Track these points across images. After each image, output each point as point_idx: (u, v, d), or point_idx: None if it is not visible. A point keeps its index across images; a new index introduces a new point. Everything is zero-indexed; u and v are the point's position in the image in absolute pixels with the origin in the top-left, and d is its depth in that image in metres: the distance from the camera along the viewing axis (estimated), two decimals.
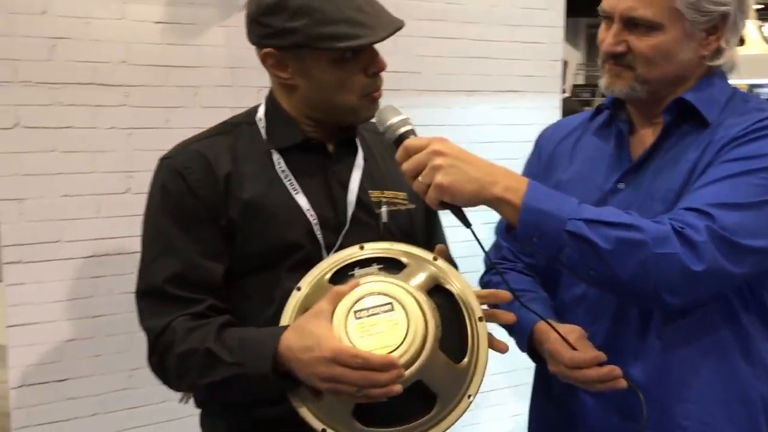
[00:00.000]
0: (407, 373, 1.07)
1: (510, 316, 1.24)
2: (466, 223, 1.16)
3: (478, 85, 2.91)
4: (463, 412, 1.14)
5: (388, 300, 1.09)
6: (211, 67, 2.38)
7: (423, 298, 1.12)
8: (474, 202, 1.12)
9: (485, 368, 1.15)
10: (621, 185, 1.31)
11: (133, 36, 2.28)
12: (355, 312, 1.09)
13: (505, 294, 1.23)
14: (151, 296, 1.24)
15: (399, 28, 1.24)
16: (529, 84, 3.01)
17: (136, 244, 2.23)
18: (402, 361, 1.06)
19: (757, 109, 1.27)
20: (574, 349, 1.21)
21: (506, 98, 2.97)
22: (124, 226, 2.26)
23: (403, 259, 1.18)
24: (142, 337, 1.48)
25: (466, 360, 1.14)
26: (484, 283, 1.47)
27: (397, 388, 1.06)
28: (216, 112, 2.27)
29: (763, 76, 2.12)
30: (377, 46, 1.24)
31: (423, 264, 1.18)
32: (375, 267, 1.17)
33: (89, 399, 2.30)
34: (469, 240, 1.20)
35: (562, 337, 1.22)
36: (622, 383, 1.20)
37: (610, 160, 1.35)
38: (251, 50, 1.30)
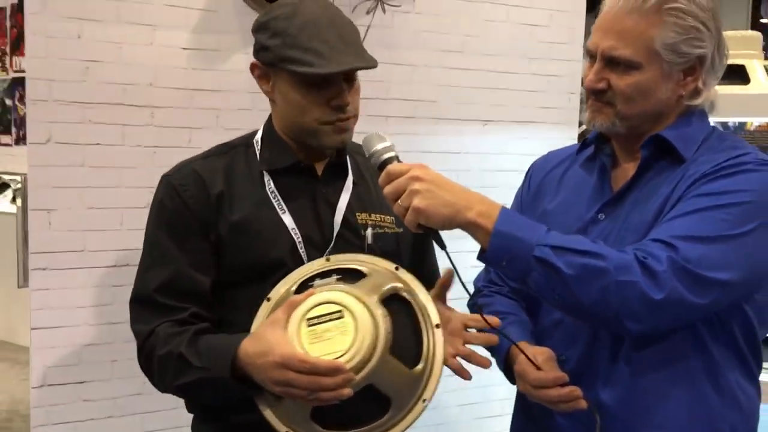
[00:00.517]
0: (358, 377, 1.11)
1: (492, 339, 1.30)
2: (442, 246, 1.22)
3: (495, 115, 2.94)
4: (418, 416, 1.18)
5: (338, 308, 1.14)
6: (233, 91, 2.41)
7: (375, 306, 1.16)
8: (449, 225, 1.17)
9: (441, 373, 1.19)
10: (601, 216, 1.35)
11: (161, 60, 2.32)
12: (308, 320, 1.14)
13: (493, 319, 1.27)
14: (141, 303, 1.32)
15: (364, 67, 1.30)
16: (547, 116, 3.03)
17: None
18: (350, 365, 1.11)
19: (731, 148, 1.30)
20: (540, 369, 1.26)
21: (523, 129, 2.99)
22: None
23: (364, 269, 1.23)
24: None
25: (420, 366, 1.18)
26: (470, 305, 1.51)
27: (347, 391, 1.11)
28: (236, 133, 2.33)
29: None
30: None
31: (383, 274, 1.23)
32: (334, 278, 1.22)
33: (105, 402, 2.33)
34: (476, 266, 1.27)
35: (529, 359, 1.26)
36: (582, 404, 1.24)
37: (592, 192, 1.39)
38: None
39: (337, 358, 1.12)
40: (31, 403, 2.26)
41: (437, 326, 1.21)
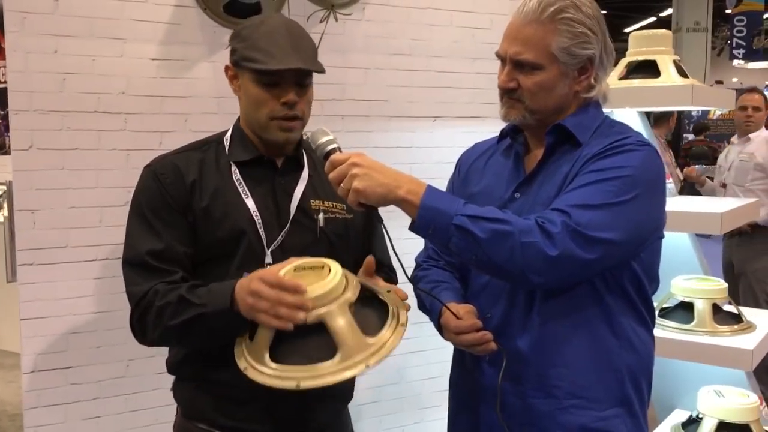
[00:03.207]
0: (314, 311, 1.27)
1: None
2: (379, 220, 1.43)
3: (443, 111, 3.07)
4: (357, 374, 1.28)
5: (323, 264, 1.32)
6: (199, 97, 2.54)
7: (354, 279, 1.33)
8: (384, 202, 1.36)
9: (386, 355, 1.31)
10: (517, 195, 1.54)
11: (132, 71, 2.44)
12: (296, 267, 1.33)
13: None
14: (134, 266, 1.49)
15: (300, 69, 1.48)
16: (491, 111, 2.93)
17: None
18: (311, 295, 1.27)
19: (618, 133, 1.50)
20: (459, 319, 1.47)
21: (470, 123, 3.10)
22: (123, 234, 2.27)
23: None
24: None
25: (371, 339, 1.31)
26: (412, 277, 1.69)
27: (301, 314, 1.27)
28: (203, 135, 2.43)
29: (676, 104, 2.40)
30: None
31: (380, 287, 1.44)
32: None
33: (91, 385, 2.45)
34: (414, 238, 1.42)
35: (450, 311, 1.48)
36: (492, 346, 1.45)
37: (509, 175, 1.59)
38: None
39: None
40: (22, 387, 2.38)
41: (402, 324, 1.35)
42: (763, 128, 4.58)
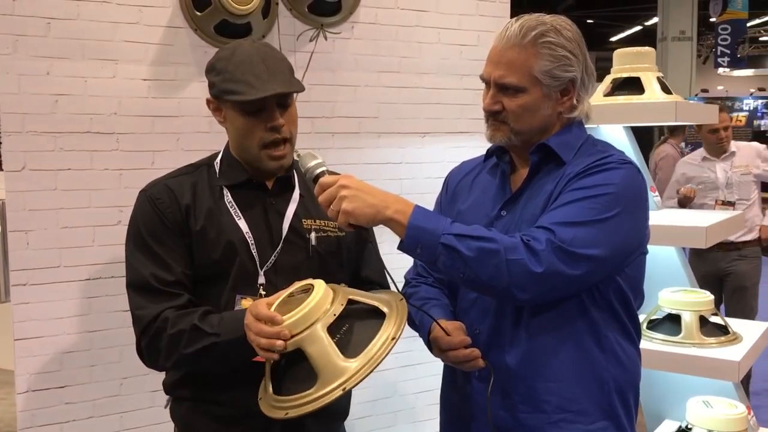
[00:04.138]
0: (292, 338, 1.32)
1: None
2: (369, 240, 1.47)
3: (432, 127, 3.10)
4: (333, 400, 1.31)
5: (309, 286, 1.35)
6: (191, 116, 2.56)
7: (341, 295, 1.36)
8: (372, 222, 1.39)
9: (370, 373, 1.32)
10: (503, 212, 1.57)
11: (124, 91, 2.46)
12: (288, 294, 1.37)
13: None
14: (139, 289, 1.52)
15: (287, 92, 1.52)
16: (479, 126, 2.99)
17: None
18: (286, 323, 1.32)
19: (600, 152, 1.54)
20: (449, 336, 1.49)
21: (458, 139, 3.15)
22: (116, 253, 2.39)
23: (376, 303, 1.45)
24: (132, 350, 1.67)
25: (356, 362, 1.32)
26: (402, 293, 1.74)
27: (279, 343, 1.32)
28: (195, 153, 2.50)
29: (660, 120, 2.45)
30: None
31: (388, 294, 1.47)
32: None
33: (85, 404, 2.46)
34: (404, 256, 1.43)
35: (441, 327, 1.50)
36: (480, 363, 1.47)
37: (495, 193, 1.62)
38: None
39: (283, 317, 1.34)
40: (17, 407, 2.38)
41: (393, 339, 1.36)
42: (734, 141, 4.58)
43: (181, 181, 1.61)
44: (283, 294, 1.40)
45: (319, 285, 1.38)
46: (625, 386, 1.56)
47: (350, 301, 1.41)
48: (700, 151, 4.65)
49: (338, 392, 1.30)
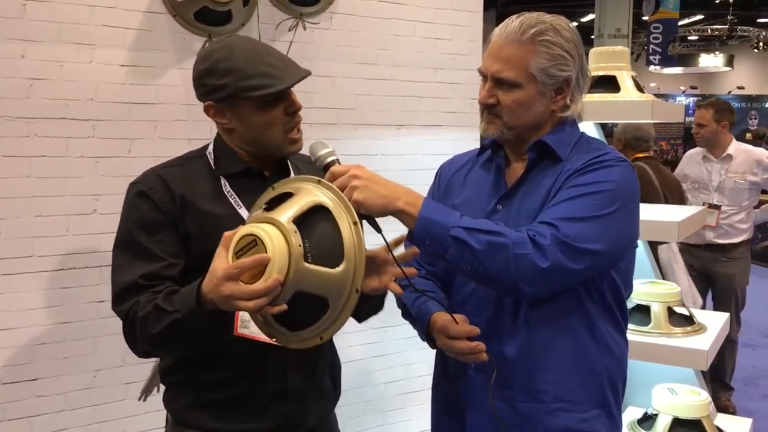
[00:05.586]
0: (284, 290, 1.27)
1: (411, 270, 1.48)
2: (378, 230, 1.44)
3: (407, 120, 3.14)
4: (354, 305, 1.31)
5: (252, 238, 1.29)
6: (169, 104, 2.53)
7: (287, 224, 1.30)
8: (383, 213, 1.39)
9: (365, 263, 1.32)
10: (499, 207, 1.59)
11: (101, 77, 2.42)
12: (236, 252, 1.32)
13: (410, 270, 1.46)
14: (127, 288, 1.49)
15: (305, 76, 1.53)
16: (452, 119, 3.23)
17: (101, 259, 2.48)
18: (274, 272, 1.26)
19: (596, 149, 1.57)
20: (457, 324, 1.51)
21: (433, 131, 3.19)
22: (91, 243, 2.41)
23: (292, 191, 1.38)
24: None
25: (343, 266, 1.30)
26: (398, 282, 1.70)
27: (281, 306, 1.28)
28: (173, 142, 2.52)
29: (636, 118, 2.53)
30: (304, 93, 1.52)
31: (306, 190, 1.37)
32: (261, 210, 1.38)
33: (57, 396, 2.42)
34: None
35: (452, 316, 1.52)
36: (484, 357, 1.49)
37: (490, 188, 1.63)
38: None
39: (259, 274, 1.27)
40: None
41: (355, 223, 1.32)
42: (735, 141, 4.51)
43: (172, 172, 1.59)
44: (230, 251, 1.33)
45: (263, 233, 1.30)
46: (615, 376, 1.61)
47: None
48: (704, 149, 4.57)
49: (354, 295, 1.31)
